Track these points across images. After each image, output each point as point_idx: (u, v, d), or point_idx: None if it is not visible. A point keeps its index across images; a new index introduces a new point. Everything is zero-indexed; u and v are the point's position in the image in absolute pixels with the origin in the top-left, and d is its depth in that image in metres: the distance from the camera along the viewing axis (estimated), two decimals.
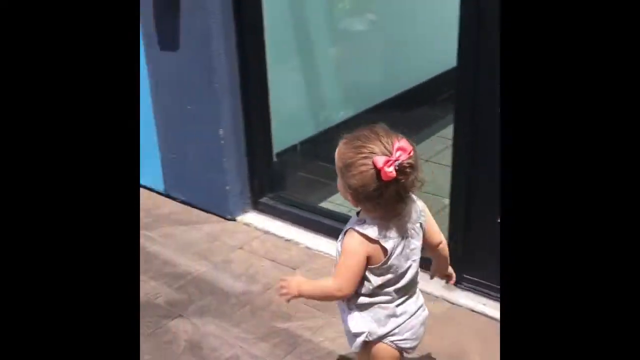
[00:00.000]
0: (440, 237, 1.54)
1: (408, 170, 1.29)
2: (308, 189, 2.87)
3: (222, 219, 2.63)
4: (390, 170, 1.27)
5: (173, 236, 2.54)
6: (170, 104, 2.57)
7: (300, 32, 2.96)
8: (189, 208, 2.73)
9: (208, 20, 2.29)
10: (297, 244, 2.42)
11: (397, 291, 1.43)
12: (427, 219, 1.46)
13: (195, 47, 2.37)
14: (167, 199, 2.79)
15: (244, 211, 2.64)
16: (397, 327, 1.45)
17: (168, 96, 2.56)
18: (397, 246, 1.38)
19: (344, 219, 2.44)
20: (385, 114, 3.38)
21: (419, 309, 1.49)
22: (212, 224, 2.60)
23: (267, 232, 2.52)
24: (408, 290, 1.46)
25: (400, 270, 1.41)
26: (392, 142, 1.30)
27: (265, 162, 2.59)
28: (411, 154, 1.30)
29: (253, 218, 2.60)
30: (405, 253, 1.41)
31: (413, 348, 1.52)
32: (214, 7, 2.28)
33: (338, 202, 2.75)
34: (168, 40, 2.40)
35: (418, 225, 1.43)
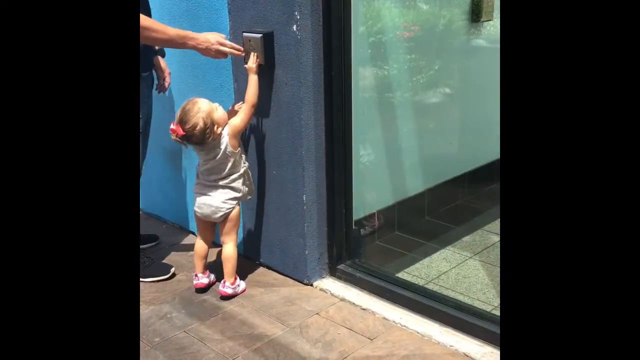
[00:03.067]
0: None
1: (178, 140, 2.40)
2: (385, 258, 2.89)
3: (299, 283, 2.67)
4: (172, 135, 2.40)
5: (250, 297, 2.59)
6: (257, 167, 2.67)
7: (382, 106, 3.05)
8: (267, 270, 2.79)
9: (300, 92, 2.40)
10: (373, 313, 2.42)
11: (200, 174, 2.53)
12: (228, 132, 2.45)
13: (285, 115, 2.48)
14: (245, 259, 2.86)
15: (321, 277, 2.67)
16: (195, 193, 2.57)
17: (254, 160, 2.67)
18: (199, 151, 2.47)
19: (421, 291, 2.46)
20: (463, 187, 3.39)
21: (213, 195, 2.50)
22: (289, 288, 2.64)
23: (343, 300, 2.53)
24: (205, 178, 2.51)
25: (200, 161, 2.51)
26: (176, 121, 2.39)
27: (345, 230, 2.64)
28: (178, 133, 2.37)
29: (330, 284, 2.63)
30: (208, 158, 2.45)
31: (200, 215, 2.57)
32: (306, 80, 2.39)
33: (415, 274, 2.75)
34: (259, 107, 2.52)
35: (218, 149, 2.43)
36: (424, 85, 3.22)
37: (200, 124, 2.35)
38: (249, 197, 2.61)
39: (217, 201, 2.51)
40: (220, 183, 2.49)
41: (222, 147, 2.43)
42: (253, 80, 2.45)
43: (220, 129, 2.41)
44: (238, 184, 2.51)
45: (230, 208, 2.53)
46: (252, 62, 2.44)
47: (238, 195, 2.53)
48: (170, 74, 2.84)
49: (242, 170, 2.51)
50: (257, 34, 2.42)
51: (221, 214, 2.52)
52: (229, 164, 2.46)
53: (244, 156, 2.54)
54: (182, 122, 2.37)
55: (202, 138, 2.38)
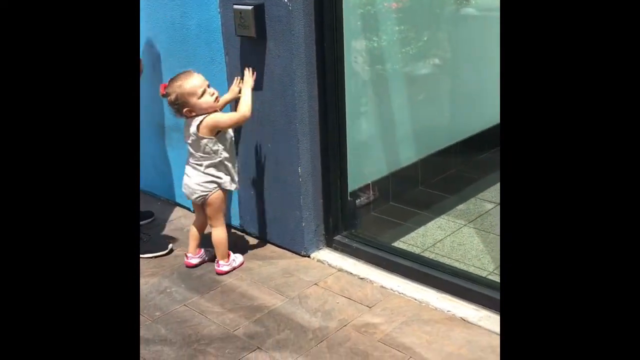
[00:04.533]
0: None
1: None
2: (380, 228, 2.92)
3: (297, 255, 2.69)
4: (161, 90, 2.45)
5: (249, 270, 2.61)
6: (252, 141, 2.68)
7: (374, 77, 3.05)
8: (264, 243, 2.81)
9: (292, 64, 2.39)
10: (371, 282, 2.46)
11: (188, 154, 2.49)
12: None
13: (278, 88, 2.48)
14: (242, 233, 2.88)
15: (318, 248, 2.70)
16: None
17: (250, 133, 2.67)
18: (183, 127, 2.47)
19: (417, 259, 2.50)
20: (456, 156, 3.41)
21: (191, 176, 2.48)
22: (287, 260, 2.67)
23: (341, 270, 2.56)
24: (188, 157, 2.48)
25: (185, 141, 2.50)
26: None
27: (340, 201, 2.65)
28: (162, 92, 2.42)
29: (327, 255, 2.66)
30: (185, 135, 2.46)
31: (187, 195, 2.54)
32: (299, 52, 2.38)
33: (410, 243, 2.78)
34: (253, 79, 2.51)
35: (190, 130, 2.40)
36: (415, 56, 3.21)
37: (172, 98, 2.39)
38: (232, 188, 2.54)
39: (192, 182, 2.49)
40: (196, 165, 2.46)
41: (192, 130, 2.40)
42: (247, 93, 2.43)
43: (193, 113, 2.38)
44: (212, 170, 2.46)
45: (206, 191, 2.48)
46: (248, 76, 2.45)
47: (216, 180, 2.48)
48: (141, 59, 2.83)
49: (216, 160, 2.44)
50: (248, 6, 2.40)
51: (196, 196, 2.50)
52: (200, 149, 2.42)
53: (220, 148, 2.43)
54: (168, 83, 2.41)
55: (171, 108, 2.43)
